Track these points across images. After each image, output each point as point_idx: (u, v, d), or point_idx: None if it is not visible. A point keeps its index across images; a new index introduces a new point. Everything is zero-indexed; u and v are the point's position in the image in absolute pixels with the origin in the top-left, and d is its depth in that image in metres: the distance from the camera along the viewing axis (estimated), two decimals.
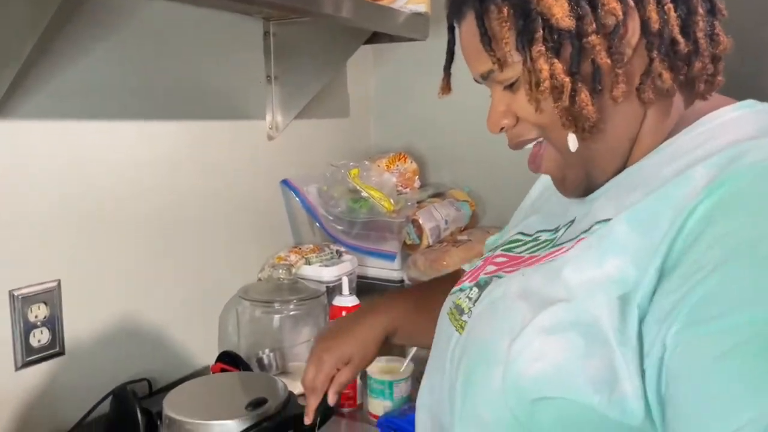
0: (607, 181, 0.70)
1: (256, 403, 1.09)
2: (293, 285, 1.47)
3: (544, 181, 0.90)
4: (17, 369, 1.06)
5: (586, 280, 0.60)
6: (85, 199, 1.16)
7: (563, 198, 0.76)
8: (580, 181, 0.71)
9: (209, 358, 1.37)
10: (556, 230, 0.74)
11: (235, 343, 1.45)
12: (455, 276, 1.04)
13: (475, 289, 0.75)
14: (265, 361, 1.39)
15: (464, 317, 0.72)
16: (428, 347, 0.93)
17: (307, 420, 0.92)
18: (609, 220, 0.62)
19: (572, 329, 0.58)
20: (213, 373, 1.30)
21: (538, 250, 0.73)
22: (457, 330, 0.73)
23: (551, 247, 0.71)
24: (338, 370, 0.92)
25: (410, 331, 0.97)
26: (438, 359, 0.76)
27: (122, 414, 1.13)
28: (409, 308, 0.97)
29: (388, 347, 0.96)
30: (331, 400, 0.92)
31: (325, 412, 0.94)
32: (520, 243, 0.79)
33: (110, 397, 1.14)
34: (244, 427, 1.04)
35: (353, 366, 0.91)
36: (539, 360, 0.59)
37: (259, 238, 1.58)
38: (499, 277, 0.73)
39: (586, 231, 0.65)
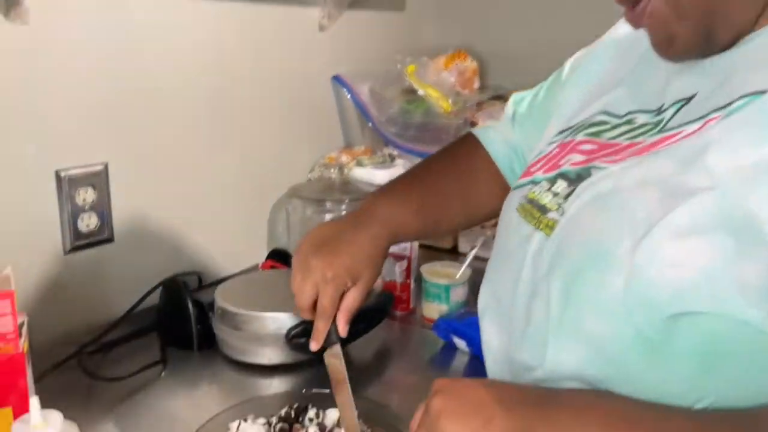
0: (731, 40, 0.58)
1: None
2: (345, 185, 1.41)
3: (613, 42, 0.78)
4: (66, 253, 1.04)
5: (739, 167, 0.49)
6: (135, 80, 1.09)
7: (656, 68, 0.64)
8: (695, 41, 0.58)
9: (258, 257, 1.33)
10: (660, 111, 0.63)
11: (284, 243, 1.41)
12: (455, 154, 0.94)
13: (561, 182, 0.65)
14: None
15: (552, 215, 0.62)
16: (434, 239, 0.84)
17: (315, 345, 0.80)
18: (765, 92, 0.52)
19: (719, 227, 0.49)
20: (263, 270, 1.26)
21: (639, 135, 0.63)
22: (539, 229, 0.63)
23: (658, 132, 0.60)
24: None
25: (416, 234, 0.89)
26: (508, 262, 0.67)
27: (173, 305, 1.10)
28: (413, 209, 0.85)
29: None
30: (343, 330, 0.81)
31: (342, 339, 0.82)
32: (608, 126, 0.67)
33: (160, 288, 1.11)
34: (298, 320, 1.00)
35: (362, 287, 0.80)
36: (676, 266, 0.50)
37: (309, 136, 1.51)
38: (599, 168, 0.63)
39: (722, 108, 0.54)
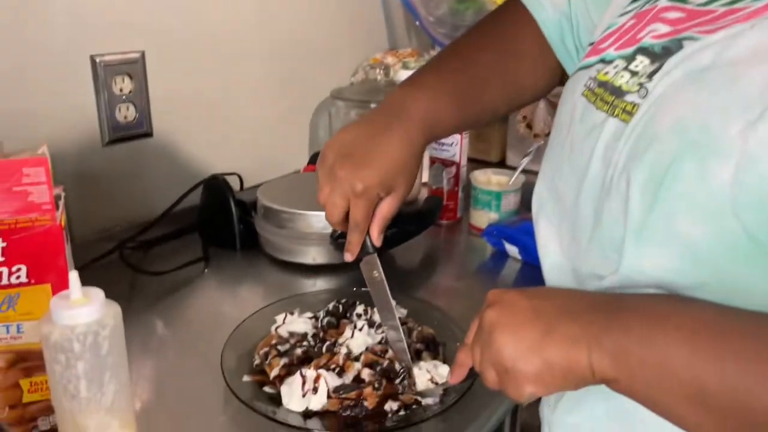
0: None
1: None
2: (390, 88, 1.33)
3: None
4: (105, 145, 1.00)
5: None
6: None
7: None
8: None
9: (299, 162, 1.28)
10: None
11: None
12: (496, 25, 0.80)
13: (642, 59, 0.56)
14: None
15: (631, 98, 0.53)
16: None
17: (349, 257, 0.73)
18: None
19: None
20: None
21: (736, 2, 0.53)
22: (614, 116, 0.55)
23: None
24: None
25: (454, 128, 0.77)
26: (572, 157, 0.59)
27: (214, 204, 1.07)
28: (449, 100, 0.73)
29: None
30: (378, 240, 0.72)
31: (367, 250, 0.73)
32: None
33: (201, 187, 1.08)
34: None
35: (397, 196, 0.71)
36: None
37: (352, 38, 1.42)
38: (693, 38, 0.53)
39: None
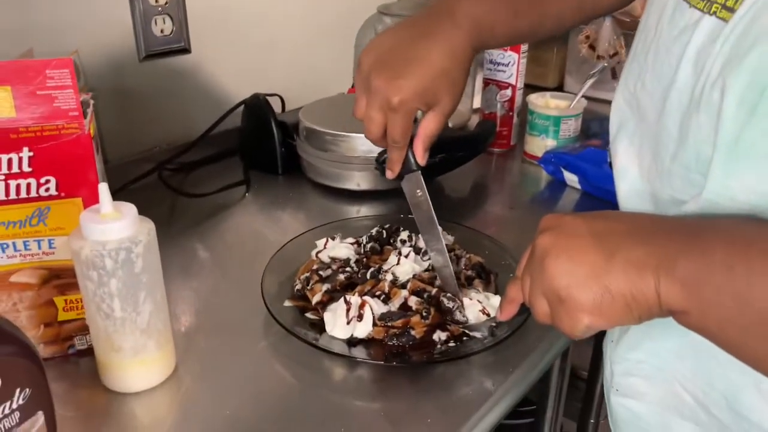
0: None
1: None
2: None
3: None
4: (141, 60, 0.95)
5: None
6: None
7: None
8: None
9: (344, 83, 1.21)
10: None
11: None
12: None
13: None
14: None
15: None
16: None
17: (390, 174, 0.67)
18: None
19: None
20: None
21: None
22: (710, 13, 0.46)
23: None
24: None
25: (509, 38, 0.67)
26: (657, 63, 0.51)
27: (256, 125, 1.02)
28: (504, 3, 0.65)
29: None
30: (422, 159, 0.65)
31: (408, 168, 0.67)
32: None
33: (242, 107, 1.03)
34: None
35: (440, 112, 0.62)
36: None
37: None
38: None
39: None
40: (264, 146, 1.01)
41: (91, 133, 0.53)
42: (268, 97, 1.04)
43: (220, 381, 0.59)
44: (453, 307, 0.63)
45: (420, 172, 0.66)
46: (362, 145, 0.90)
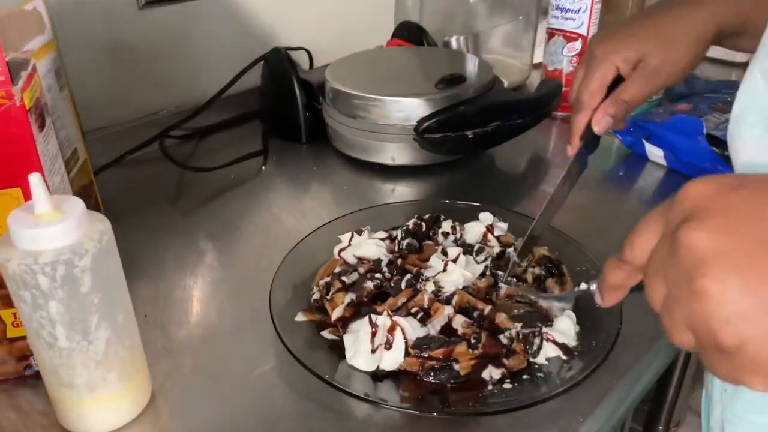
0: None
1: (450, 80, 0.77)
2: None
3: None
4: (141, 6, 0.81)
5: None
6: None
7: None
8: None
9: (382, 37, 1.04)
10: None
11: (416, 17, 1.11)
12: None
13: None
14: (454, 46, 1.05)
15: None
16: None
17: (571, 149, 0.58)
18: None
19: None
20: None
21: None
22: None
23: None
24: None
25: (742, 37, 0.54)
26: None
27: (276, 85, 0.87)
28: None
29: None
30: (599, 125, 0.56)
31: (590, 141, 0.58)
32: None
33: (261, 63, 0.88)
34: (432, 109, 0.74)
35: (646, 71, 0.54)
36: None
37: None
38: None
39: None
40: (285, 111, 0.86)
41: (27, 105, 0.40)
42: (292, 52, 0.89)
43: (207, 417, 0.46)
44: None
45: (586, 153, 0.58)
46: (398, 111, 0.74)
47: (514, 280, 0.54)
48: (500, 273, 0.55)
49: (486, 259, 0.57)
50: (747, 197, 0.27)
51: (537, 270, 0.56)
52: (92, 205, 0.63)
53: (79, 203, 0.39)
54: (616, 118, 0.56)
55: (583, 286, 0.40)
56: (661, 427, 1.01)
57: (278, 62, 0.86)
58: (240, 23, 0.93)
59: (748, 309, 0.25)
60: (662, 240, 0.29)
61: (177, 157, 0.80)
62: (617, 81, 0.56)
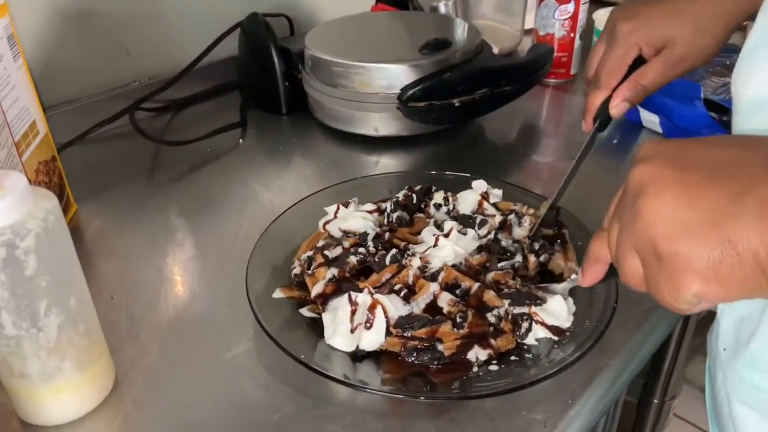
0: None
1: (435, 45, 0.73)
2: None
3: None
4: None
5: None
6: None
7: None
8: None
9: (366, 2, 1.00)
10: None
11: None
12: None
13: None
14: (442, 11, 1.00)
15: None
16: None
17: (585, 126, 0.57)
18: None
19: None
20: None
21: None
22: None
23: None
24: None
25: None
26: None
27: (253, 53, 0.83)
28: None
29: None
30: (617, 109, 0.55)
31: (602, 120, 0.56)
32: None
33: (238, 30, 0.84)
34: (417, 76, 0.70)
35: (670, 57, 0.52)
36: None
37: None
38: None
39: None
40: (264, 81, 0.82)
41: None
42: (271, 18, 0.85)
43: (174, 404, 0.43)
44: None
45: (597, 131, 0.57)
46: (381, 79, 0.70)
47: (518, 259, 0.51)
48: (507, 242, 0.52)
49: (489, 232, 0.53)
50: (683, 144, 0.31)
51: (536, 246, 0.53)
52: (55, 182, 0.60)
53: (21, 179, 0.35)
54: (632, 102, 0.54)
55: (574, 276, 0.40)
56: (656, 400, 0.99)
57: (255, 29, 0.82)
58: None
59: (680, 217, 0.28)
60: (621, 193, 0.32)
61: (150, 130, 0.76)
62: (637, 61, 0.54)
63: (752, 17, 0.50)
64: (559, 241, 0.53)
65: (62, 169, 0.62)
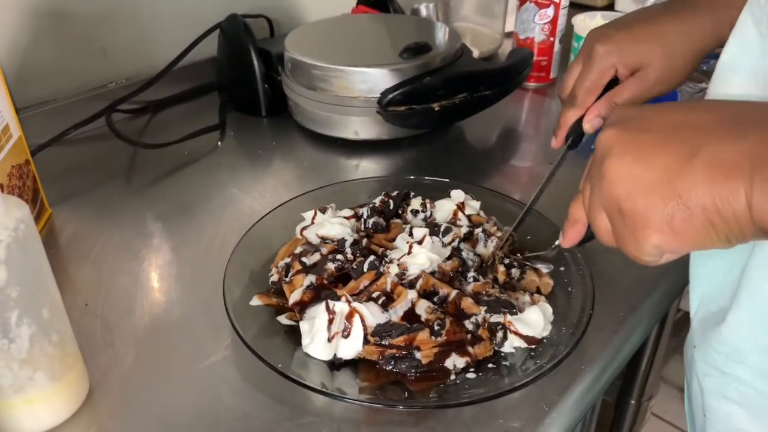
0: None
1: (415, 49, 0.73)
2: None
3: None
4: None
5: None
6: None
7: None
8: None
9: (347, 4, 0.99)
10: None
11: None
12: None
13: None
14: (423, 14, 1.00)
15: None
16: None
17: (555, 143, 0.58)
18: None
19: None
20: None
21: None
22: None
23: None
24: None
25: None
26: None
27: (232, 55, 0.82)
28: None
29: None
30: (590, 124, 0.56)
31: (575, 137, 0.57)
32: None
33: (217, 31, 0.83)
34: (397, 80, 0.70)
35: (644, 79, 0.53)
36: None
37: None
38: None
39: None
40: (243, 83, 0.81)
41: None
42: (251, 19, 0.84)
43: (149, 414, 0.43)
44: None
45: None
46: (361, 83, 0.70)
47: (481, 277, 0.51)
48: (468, 254, 0.52)
49: (453, 240, 0.54)
50: (649, 110, 0.34)
51: (512, 270, 0.52)
52: (29, 185, 0.59)
53: None
54: (606, 119, 0.54)
55: (557, 242, 0.43)
56: (633, 401, 1.01)
57: (235, 31, 0.81)
58: None
59: (638, 177, 0.31)
60: (592, 157, 0.35)
61: (127, 132, 0.75)
62: (611, 81, 0.55)
63: (721, 45, 0.51)
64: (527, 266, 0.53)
65: (36, 172, 0.61)
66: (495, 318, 0.45)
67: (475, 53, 0.95)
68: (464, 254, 0.52)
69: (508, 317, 0.45)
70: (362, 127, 0.73)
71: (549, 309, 0.48)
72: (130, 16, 0.82)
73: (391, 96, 0.69)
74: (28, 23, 0.74)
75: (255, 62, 0.79)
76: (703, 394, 0.45)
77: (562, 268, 0.52)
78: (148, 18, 0.84)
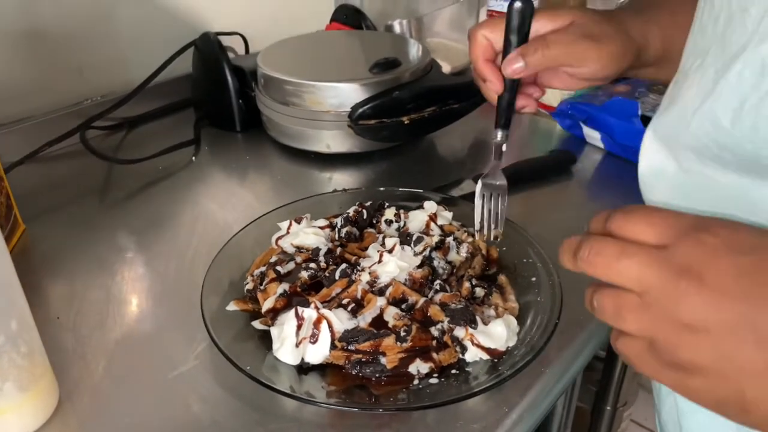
0: None
1: (385, 65, 0.75)
2: None
3: None
4: None
5: None
6: None
7: None
8: None
9: (322, 21, 1.02)
10: None
11: (356, 1, 1.08)
12: None
13: None
14: (396, 30, 1.03)
15: None
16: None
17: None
18: None
19: None
20: None
21: None
22: None
23: None
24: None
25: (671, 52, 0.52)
26: None
27: (207, 71, 0.84)
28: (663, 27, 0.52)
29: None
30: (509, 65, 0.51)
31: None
32: None
33: (192, 49, 0.85)
34: (367, 94, 0.72)
35: (577, 73, 0.50)
36: None
37: None
38: None
39: None
40: (218, 99, 0.83)
41: None
42: (226, 37, 0.86)
43: (120, 424, 0.43)
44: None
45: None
46: (332, 97, 0.72)
47: (448, 288, 0.52)
48: (440, 262, 0.53)
49: (424, 250, 0.55)
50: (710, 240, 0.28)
51: (476, 290, 0.53)
52: (2, 202, 0.59)
53: None
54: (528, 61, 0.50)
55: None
56: (608, 408, 1.02)
57: (209, 48, 0.83)
58: (168, 5, 0.89)
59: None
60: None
61: (103, 149, 0.76)
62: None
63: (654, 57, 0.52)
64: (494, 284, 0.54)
65: (10, 189, 0.62)
66: (457, 331, 0.47)
67: (447, 68, 0.98)
68: (435, 262, 0.53)
69: (470, 330, 0.46)
70: (334, 141, 0.75)
71: (513, 321, 0.49)
72: (106, 34, 0.83)
73: (361, 110, 0.71)
74: (3, 42, 0.75)
75: (229, 79, 0.81)
76: (679, 413, 0.45)
77: (533, 279, 0.53)
78: (124, 36, 0.85)
